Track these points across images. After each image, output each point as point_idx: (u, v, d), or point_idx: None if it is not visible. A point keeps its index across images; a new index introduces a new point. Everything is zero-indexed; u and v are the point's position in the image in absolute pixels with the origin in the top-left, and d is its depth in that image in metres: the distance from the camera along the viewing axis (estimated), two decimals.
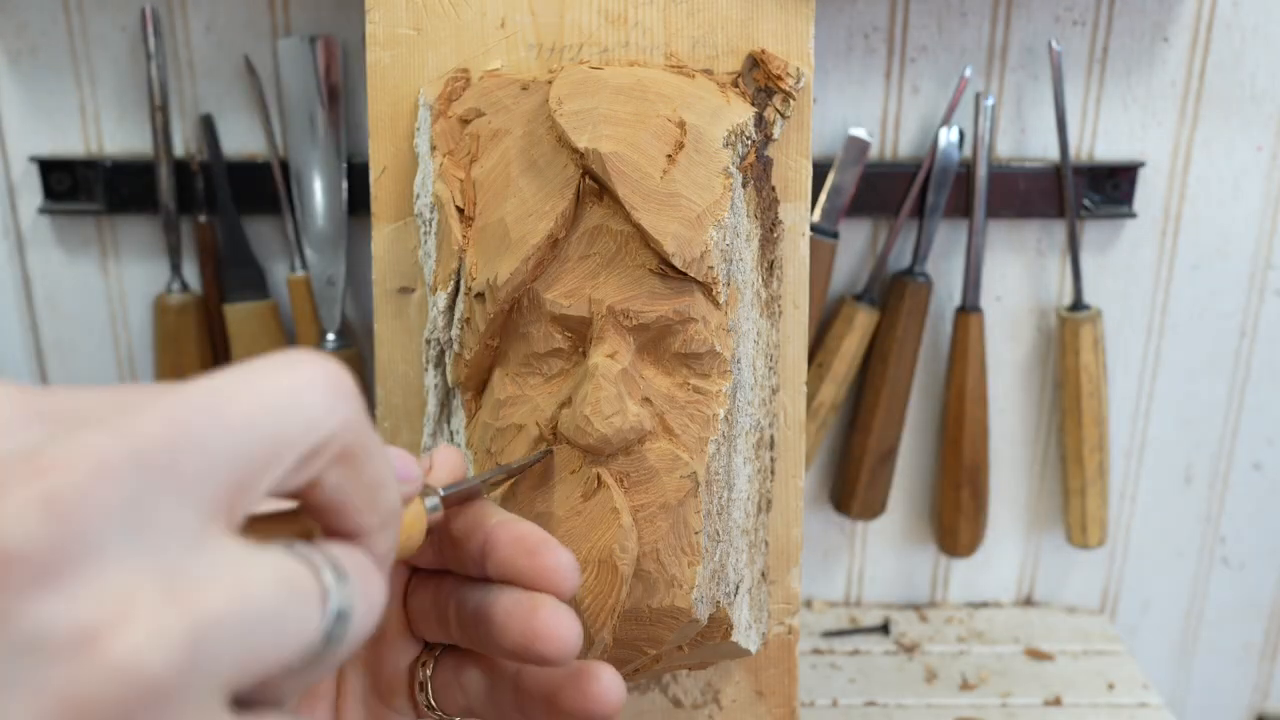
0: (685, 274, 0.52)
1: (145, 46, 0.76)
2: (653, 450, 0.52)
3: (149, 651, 0.20)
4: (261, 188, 0.80)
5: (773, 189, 0.61)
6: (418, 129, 0.61)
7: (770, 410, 0.62)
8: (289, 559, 0.25)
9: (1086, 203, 0.82)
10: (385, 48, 0.62)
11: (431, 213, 0.59)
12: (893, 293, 0.83)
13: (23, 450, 0.21)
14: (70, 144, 0.80)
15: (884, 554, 0.93)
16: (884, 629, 0.91)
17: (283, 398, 0.24)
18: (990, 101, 0.79)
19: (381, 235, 0.64)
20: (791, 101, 0.61)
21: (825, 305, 0.84)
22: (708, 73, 0.62)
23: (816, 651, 0.88)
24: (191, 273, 0.82)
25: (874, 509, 0.88)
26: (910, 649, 0.89)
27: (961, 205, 0.81)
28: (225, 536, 0.23)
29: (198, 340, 0.81)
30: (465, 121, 0.60)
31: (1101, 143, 0.83)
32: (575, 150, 0.53)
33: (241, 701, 0.24)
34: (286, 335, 0.83)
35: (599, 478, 0.51)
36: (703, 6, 0.62)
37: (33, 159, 0.80)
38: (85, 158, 0.80)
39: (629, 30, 0.62)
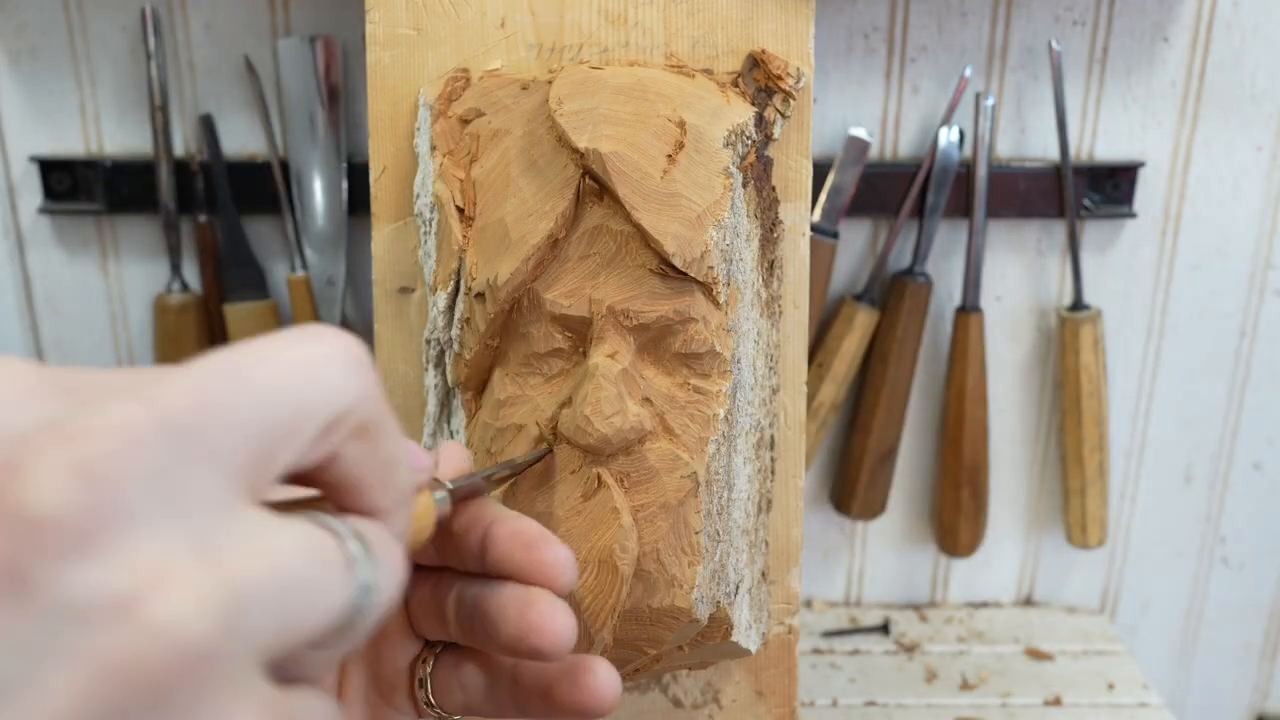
0: (685, 274, 0.52)
1: (145, 46, 0.76)
2: (653, 450, 0.52)
3: (189, 617, 0.20)
4: (261, 188, 0.80)
5: (773, 189, 0.62)
6: (418, 129, 0.61)
7: (770, 410, 0.62)
8: (315, 528, 0.25)
9: (1086, 203, 0.82)
10: (385, 48, 0.62)
11: (431, 213, 0.59)
12: (893, 293, 0.83)
13: (50, 419, 0.21)
14: (70, 144, 0.80)
15: (884, 554, 0.93)
16: (884, 629, 0.91)
17: (304, 368, 0.24)
18: (990, 101, 0.79)
19: (381, 235, 0.64)
20: (791, 101, 0.61)
21: (825, 305, 0.84)
22: (708, 73, 0.62)
23: (816, 651, 0.88)
24: (191, 273, 0.82)
25: (874, 509, 0.88)
26: (910, 649, 0.89)
27: (961, 205, 0.81)
28: (251, 505, 0.23)
29: (198, 340, 0.81)
30: (465, 121, 0.60)
31: (1101, 143, 0.83)
32: (575, 150, 0.53)
33: (275, 676, 0.24)
34: None
35: (599, 478, 0.51)
36: (703, 6, 0.62)
37: (33, 159, 0.80)
38: (85, 158, 0.80)
39: (629, 30, 0.62)
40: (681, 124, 0.55)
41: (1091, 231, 0.85)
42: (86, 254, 0.83)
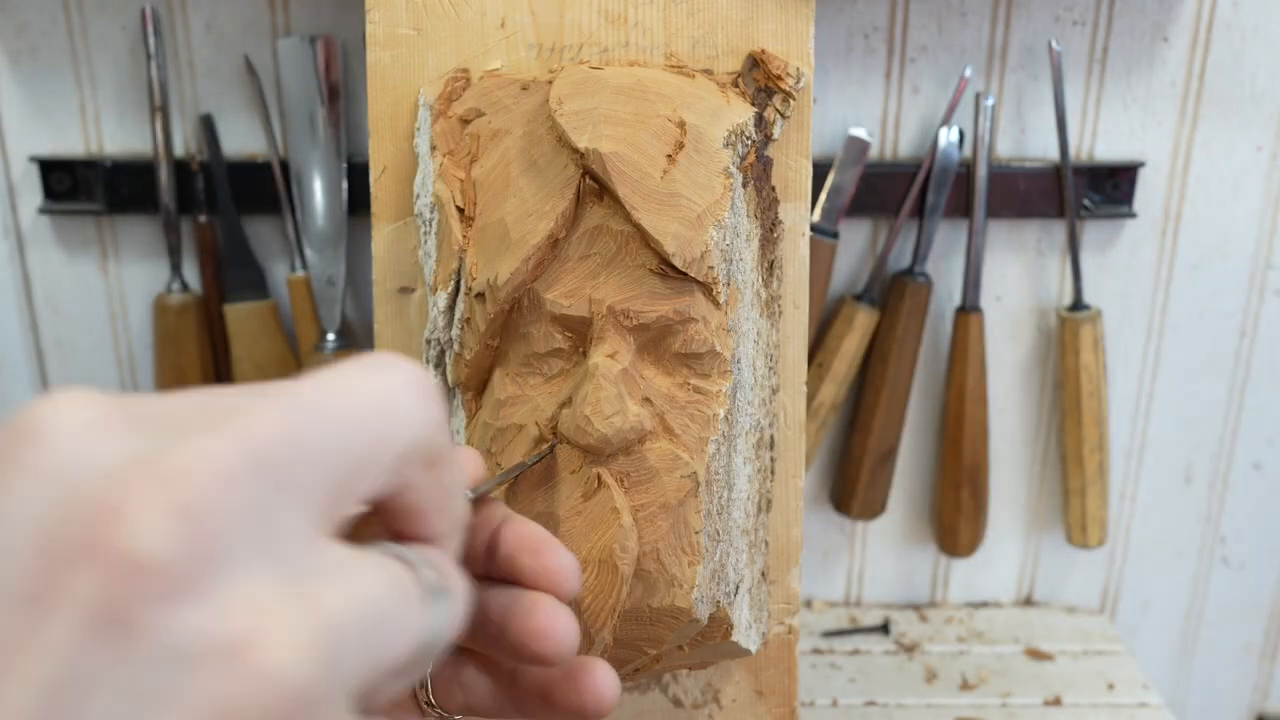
0: (685, 274, 0.52)
1: (145, 46, 0.76)
2: (653, 450, 0.52)
3: (293, 662, 0.20)
4: (261, 188, 0.80)
5: (773, 189, 0.62)
6: (418, 129, 0.61)
7: (770, 410, 0.62)
8: (391, 560, 0.25)
9: (1086, 203, 0.82)
10: (385, 48, 0.62)
11: (431, 213, 0.59)
12: (893, 293, 0.83)
13: (135, 458, 0.21)
14: (70, 144, 0.80)
15: (884, 554, 0.93)
16: (884, 629, 0.91)
17: (382, 400, 0.24)
18: (990, 101, 0.79)
19: (381, 235, 0.64)
20: (791, 101, 0.61)
21: (825, 305, 0.84)
22: (708, 73, 0.62)
23: (816, 651, 0.88)
24: (191, 273, 0.82)
25: (874, 509, 0.88)
26: (910, 649, 0.89)
27: (961, 205, 0.81)
28: (333, 539, 0.23)
29: (198, 340, 0.81)
30: (465, 121, 0.60)
31: (1101, 143, 0.83)
32: (575, 150, 0.53)
33: (358, 708, 0.24)
34: (286, 335, 0.83)
35: (599, 478, 0.51)
36: (703, 6, 0.62)
37: (33, 159, 0.80)
38: (85, 158, 0.80)
39: (629, 30, 0.62)
40: (681, 124, 0.55)
41: (1091, 231, 0.85)
42: (86, 254, 0.83)
